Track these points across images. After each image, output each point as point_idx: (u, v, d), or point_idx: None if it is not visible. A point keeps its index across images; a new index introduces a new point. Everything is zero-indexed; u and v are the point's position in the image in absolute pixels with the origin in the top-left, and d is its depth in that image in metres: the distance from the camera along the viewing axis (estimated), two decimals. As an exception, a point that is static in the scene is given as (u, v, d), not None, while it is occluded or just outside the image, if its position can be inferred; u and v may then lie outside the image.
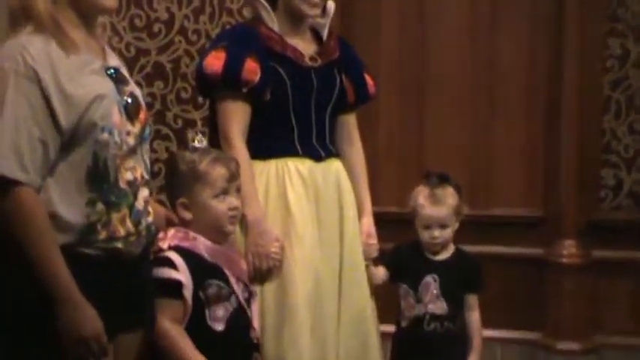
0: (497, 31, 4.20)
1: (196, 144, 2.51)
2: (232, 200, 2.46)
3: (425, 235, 3.03)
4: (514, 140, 4.19)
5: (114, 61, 2.20)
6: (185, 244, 2.41)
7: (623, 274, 4.07)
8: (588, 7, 4.12)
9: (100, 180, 2.05)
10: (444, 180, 3.09)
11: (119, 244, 2.09)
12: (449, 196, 3.04)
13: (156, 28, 3.87)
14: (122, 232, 2.09)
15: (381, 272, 3.03)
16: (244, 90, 2.73)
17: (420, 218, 3.03)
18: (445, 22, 4.22)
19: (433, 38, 4.22)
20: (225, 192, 2.45)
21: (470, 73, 4.20)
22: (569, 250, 4.06)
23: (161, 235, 2.40)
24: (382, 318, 2.96)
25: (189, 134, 2.62)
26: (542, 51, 4.18)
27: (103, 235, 2.06)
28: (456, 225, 3.06)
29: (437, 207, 3.02)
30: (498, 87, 4.20)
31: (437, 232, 3.02)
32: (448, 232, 3.04)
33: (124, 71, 2.22)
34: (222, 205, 2.44)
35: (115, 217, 2.07)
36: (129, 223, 2.10)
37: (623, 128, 4.17)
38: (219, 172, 2.44)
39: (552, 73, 4.16)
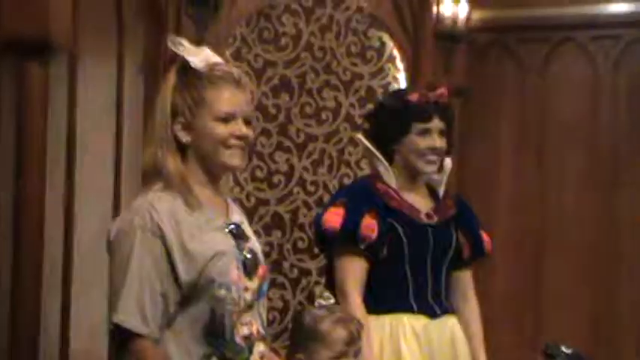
0: (619, 187, 4.16)
1: (323, 301, 2.55)
2: None
3: None
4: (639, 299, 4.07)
5: (236, 216, 2.28)
6: (303, 398, 2.42)
7: None
8: None
9: (216, 335, 2.09)
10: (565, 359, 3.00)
11: (232, 398, 2.11)
12: None
13: (276, 179, 4.00)
14: (236, 384, 2.11)
15: None
16: (362, 246, 2.78)
17: None
18: (564, 178, 4.21)
19: (552, 193, 4.21)
20: (343, 355, 2.45)
21: (591, 230, 4.15)
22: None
23: None
24: None
25: (317, 290, 2.67)
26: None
27: None
28: None
29: None
30: (622, 245, 4.13)
31: None
32: None
33: (246, 226, 2.29)
34: None
35: None
36: (242, 378, 2.13)
37: None
38: (339, 335, 2.45)
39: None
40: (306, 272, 3.96)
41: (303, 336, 2.49)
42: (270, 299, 3.90)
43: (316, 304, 2.56)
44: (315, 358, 2.45)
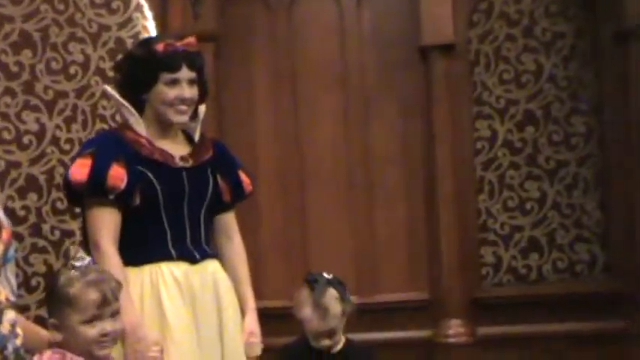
0: (370, 121, 4.31)
1: (76, 262, 2.44)
2: (105, 326, 2.39)
3: (315, 343, 3.04)
4: (395, 227, 4.27)
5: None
6: (61, 365, 2.34)
7: (507, 348, 4.15)
8: (455, 93, 4.29)
9: None
10: (326, 283, 3.10)
11: (-17, 373, 2.02)
12: (333, 303, 3.06)
13: (26, 139, 3.83)
14: (-15, 359, 2.02)
15: None
16: (111, 196, 2.71)
17: (309, 330, 3.04)
18: (319, 115, 4.32)
19: (308, 132, 4.30)
20: (96, 317, 2.38)
21: (347, 163, 4.29)
22: (455, 329, 4.13)
23: (36, 357, 2.31)
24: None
25: (72, 250, 2.56)
26: (415, 138, 4.32)
27: None
28: (344, 320, 3.08)
29: (324, 320, 3.04)
30: (376, 175, 4.30)
31: (327, 341, 3.03)
32: (339, 335, 3.05)
33: (-17, 191, 2.19)
34: (91, 331, 2.37)
35: None
36: (-7, 350, 2.04)
37: (498, 206, 4.31)
38: (90, 298, 2.36)
39: (426, 158, 4.28)
40: (68, 234, 3.84)
41: (56, 300, 2.39)
42: (32, 265, 3.76)
43: (69, 265, 2.45)
44: (66, 323, 2.37)
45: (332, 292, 3.08)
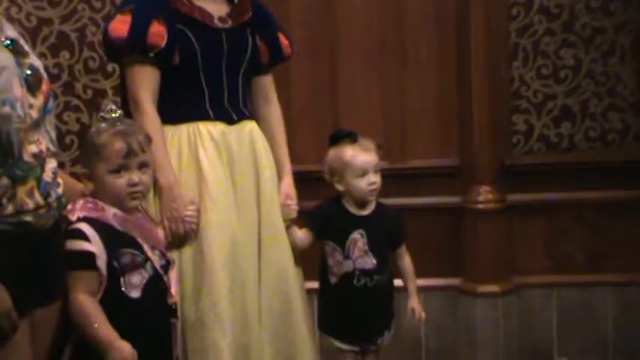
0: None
1: (105, 114, 2.46)
2: (132, 176, 2.42)
3: (362, 183, 3.04)
4: (426, 92, 4.22)
5: (11, 32, 2.15)
6: (94, 214, 2.38)
7: (536, 216, 4.18)
8: (491, -44, 4.16)
9: (4, 154, 2.02)
10: (357, 135, 3.13)
11: (28, 218, 2.06)
12: (371, 144, 3.11)
13: (57, -4, 3.79)
14: (31, 205, 2.06)
15: (303, 236, 3.02)
16: (151, 54, 2.69)
17: (354, 168, 3.04)
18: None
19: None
20: (123, 168, 2.41)
21: (378, 28, 4.21)
22: (484, 196, 4.14)
23: (69, 207, 2.36)
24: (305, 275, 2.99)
25: (103, 104, 2.58)
26: (449, 2, 4.22)
27: (9, 209, 2.03)
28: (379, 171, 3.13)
29: (369, 153, 3.08)
30: (407, 40, 4.22)
31: (374, 177, 3.06)
32: (379, 179, 3.09)
33: (23, 42, 2.17)
34: (119, 181, 2.40)
35: (22, 190, 2.04)
36: (37, 196, 2.08)
37: (532, 74, 4.25)
38: (115, 147, 2.39)
39: (460, 23, 4.19)
40: (101, 93, 3.83)
41: (86, 150, 2.44)
42: (66, 123, 3.78)
43: (99, 117, 2.47)
44: (95, 173, 2.41)
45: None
